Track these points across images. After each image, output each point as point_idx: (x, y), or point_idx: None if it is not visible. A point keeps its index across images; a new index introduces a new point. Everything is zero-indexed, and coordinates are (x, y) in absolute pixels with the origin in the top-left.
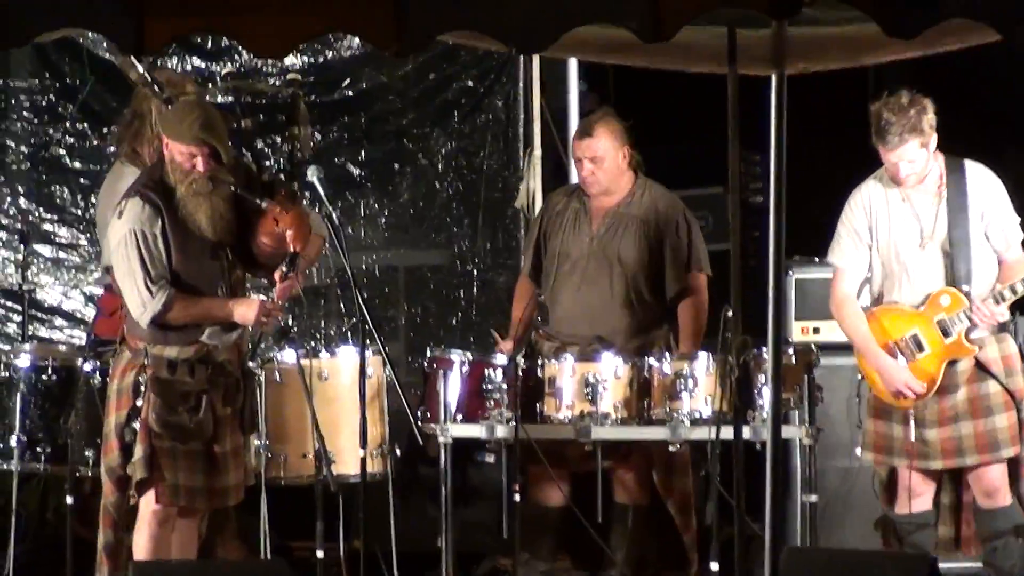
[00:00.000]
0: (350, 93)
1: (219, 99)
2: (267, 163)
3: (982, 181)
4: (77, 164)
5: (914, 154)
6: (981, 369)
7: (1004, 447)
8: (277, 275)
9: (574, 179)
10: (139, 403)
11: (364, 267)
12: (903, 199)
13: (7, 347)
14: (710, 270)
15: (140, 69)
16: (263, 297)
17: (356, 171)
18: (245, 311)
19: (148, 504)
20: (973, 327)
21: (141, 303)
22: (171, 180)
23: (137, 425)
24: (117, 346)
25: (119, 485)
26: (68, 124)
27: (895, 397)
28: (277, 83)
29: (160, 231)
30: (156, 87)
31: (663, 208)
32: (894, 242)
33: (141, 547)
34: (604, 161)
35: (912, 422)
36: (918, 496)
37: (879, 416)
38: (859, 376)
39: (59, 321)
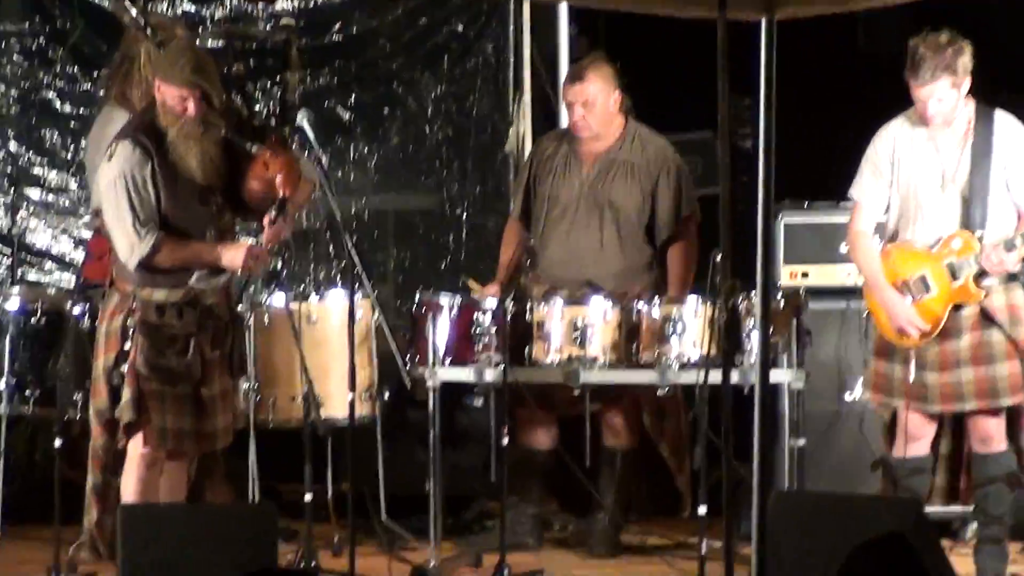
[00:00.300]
0: (340, 38)
1: (210, 43)
2: (257, 108)
3: (1010, 132)
4: (67, 108)
5: (944, 93)
6: (986, 317)
7: (1004, 395)
8: (266, 220)
9: (564, 124)
10: (127, 346)
11: (353, 211)
12: (928, 139)
13: None
14: (700, 215)
15: (133, 12)
16: (251, 241)
17: (346, 115)
18: (233, 255)
19: (136, 447)
20: (984, 274)
21: (129, 246)
22: (162, 123)
23: (125, 368)
24: (106, 289)
25: (107, 428)
26: (58, 68)
27: (898, 335)
28: (269, 28)
29: (150, 174)
30: (148, 30)
31: (654, 153)
32: (914, 181)
33: (129, 490)
34: (595, 106)
35: (913, 364)
36: (915, 440)
37: (881, 356)
38: (865, 314)
39: (48, 264)
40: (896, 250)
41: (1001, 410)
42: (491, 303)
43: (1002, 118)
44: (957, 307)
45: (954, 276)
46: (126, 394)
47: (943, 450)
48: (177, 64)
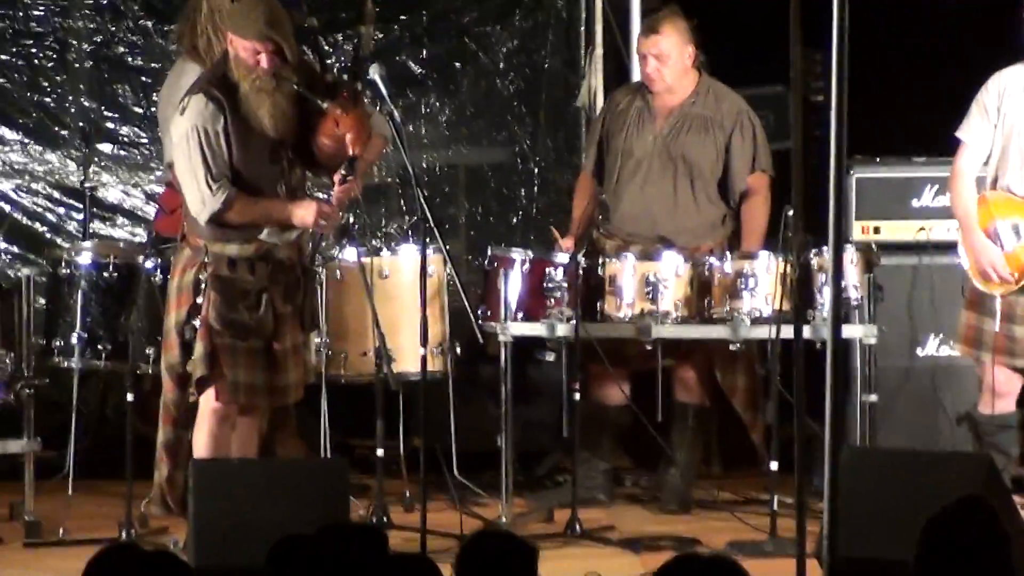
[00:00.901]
0: None
1: None
2: (330, 62)
3: None
4: (139, 62)
5: None
6: None
7: None
8: (336, 178)
9: (636, 78)
10: (199, 301)
11: (425, 165)
12: None
13: (68, 245)
14: (773, 171)
15: None
16: (322, 198)
17: (417, 69)
18: (304, 214)
19: (208, 401)
20: None
21: (201, 200)
22: (234, 77)
23: (198, 323)
24: (177, 244)
25: (179, 382)
26: (130, 22)
27: (982, 277)
28: None
29: (222, 128)
30: None
31: (728, 108)
32: (1019, 126)
33: (201, 445)
34: (669, 58)
35: (998, 316)
36: (1003, 396)
37: (973, 308)
38: (965, 266)
39: (120, 220)
40: (993, 196)
41: None
42: (563, 258)
43: None
44: None
45: None
46: (199, 349)
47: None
48: (250, 17)
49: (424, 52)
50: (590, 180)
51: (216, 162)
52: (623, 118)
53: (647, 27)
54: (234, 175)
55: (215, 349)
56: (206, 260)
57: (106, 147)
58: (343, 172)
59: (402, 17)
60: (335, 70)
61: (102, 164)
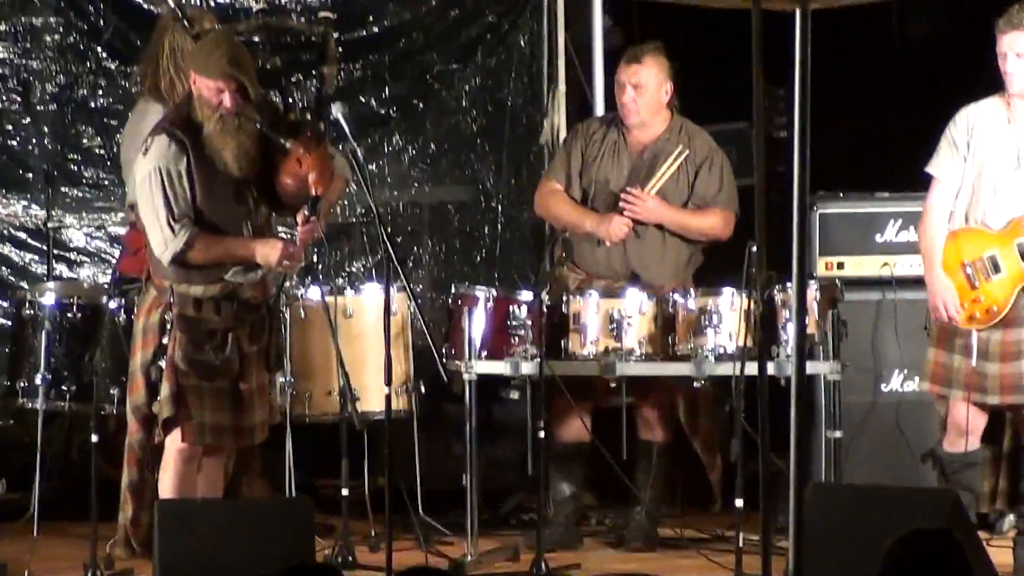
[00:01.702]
0: (375, 30)
1: (246, 37)
2: (292, 101)
3: None
4: (102, 103)
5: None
6: None
7: None
8: (299, 217)
9: (599, 114)
10: (165, 341)
11: (388, 204)
12: (1009, 121)
13: (32, 286)
14: (738, 208)
15: (171, 3)
16: (286, 237)
17: (380, 108)
18: (268, 252)
19: (174, 443)
20: None
21: (163, 241)
22: (198, 116)
23: (163, 363)
24: (142, 284)
25: (144, 424)
26: (92, 63)
27: (933, 312)
28: (305, 21)
29: (185, 169)
30: (186, 22)
31: (699, 145)
32: (989, 159)
33: (167, 486)
34: (647, 90)
35: (975, 351)
36: (969, 434)
37: (941, 345)
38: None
39: (84, 261)
40: (965, 232)
41: None
42: (527, 295)
43: None
44: None
45: None
46: (164, 389)
47: (987, 453)
48: (212, 56)
49: (387, 91)
50: (562, 189)
51: (178, 203)
52: (598, 147)
53: (630, 56)
54: (198, 215)
55: (181, 390)
56: (172, 300)
57: (70, 188)
58: (306, 212)
59: (369, 56)
60: (298, 110)
61: (65, 205)
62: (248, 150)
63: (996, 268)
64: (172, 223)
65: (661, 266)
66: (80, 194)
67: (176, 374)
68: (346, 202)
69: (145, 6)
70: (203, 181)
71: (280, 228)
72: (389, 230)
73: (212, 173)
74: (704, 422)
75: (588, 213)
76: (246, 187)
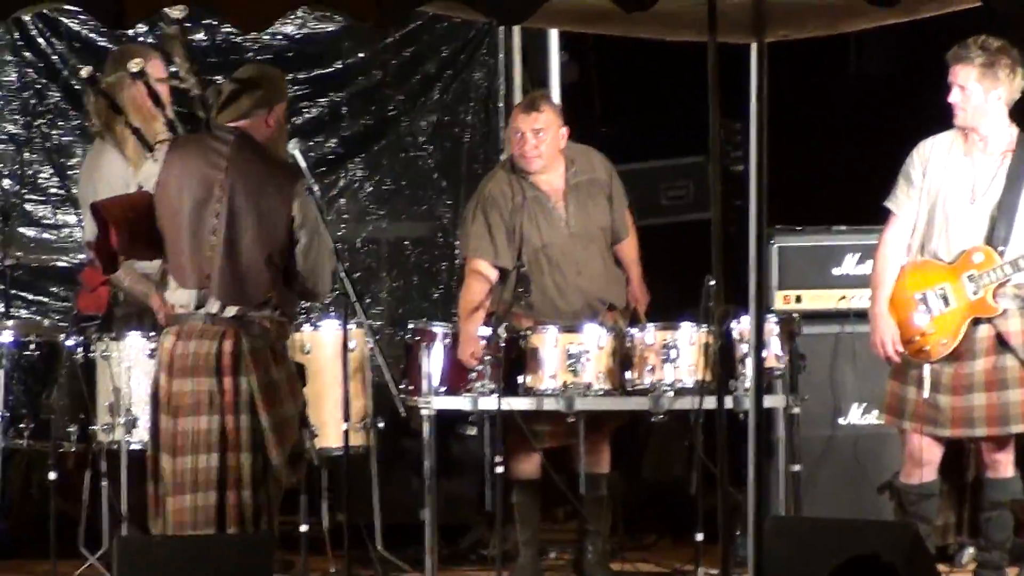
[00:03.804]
0: (332, 68)
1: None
2: None
3: None
4: (58, 142)
5: (968, 83)
6: (1001, 342)
7: (1014, 422)
8: None
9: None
10: None
11: (345, 241)
12: (965, 154)
13: None
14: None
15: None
16: None
17: (338, 145)
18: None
19: None
20: (1001, 288)
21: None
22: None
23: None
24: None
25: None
26: (50, 103)
27: (872, 348)
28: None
29: None
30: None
31: (598, 162)
32: (944, 192)
33: None
34: (547, 135)
35: (927, 384)
36: (925, 465)
37: (896, 377)
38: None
39: (40, 299)
40: (918, 263)
41: (1011, 437)
42: (485, 331)
43: None
44: (975, 323)
45: (974, 291)
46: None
47: (944, 486)
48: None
49: (344, 127)
50: (491, 272)
51: None
52: (524, 210)
53: (527, 104)
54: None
55: None
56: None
57: (26, 228)
58: None
59: (322, 94)
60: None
61: (22, 244)
62: None
63: (946, 301)
64: None
65: (619, 286)
66: (37, 233)
67: None
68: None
69: (101, 42)
70: None
71: None
72: (347, 265)
73: None
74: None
75: (472, 321)
76: None
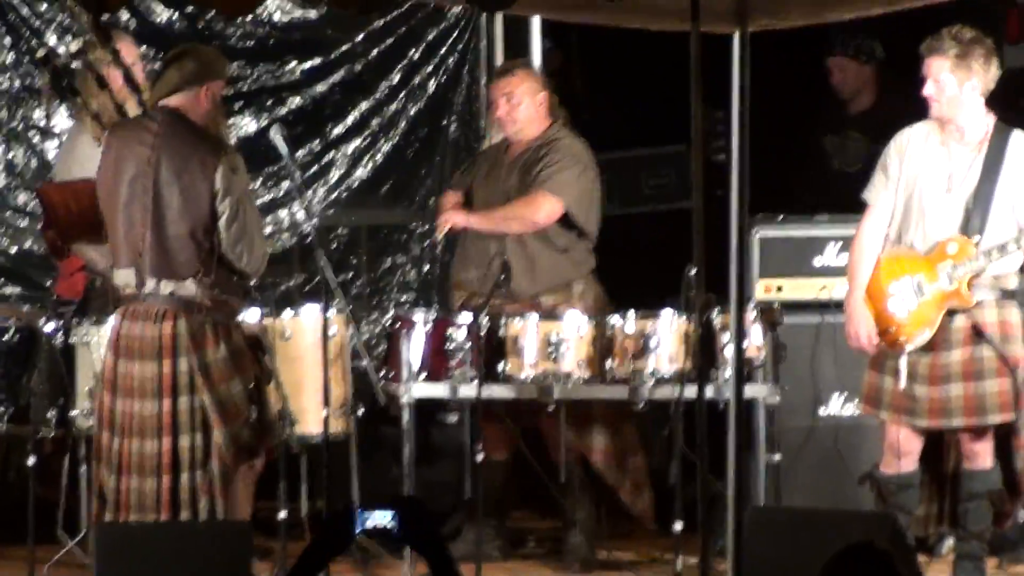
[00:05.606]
0: (313, 56)
1: None
2: None
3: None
4: (37, 127)
5: (941, 76)
6: (977, 333)
7: (991, 412)
8: None
9: None
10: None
11: (328, 227)
12: (941, 144)
13: None
14: (564, 198)
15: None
16: None
17: (320, 132)
18: None
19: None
20: (976, 279)
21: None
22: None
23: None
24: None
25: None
26: (29, 85)
27: (847, 339)
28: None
29: None
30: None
31: (561, 146)
32: (920, 183)
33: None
34: (520, 100)
35: (904, 374)
36: (904, 455)
37: (873, 367)
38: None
39: (18, 284)
40: (891, 256)
41: (988, 427)
42: (466, 318)
43: (1019, 138)
44: (951, 313)
45: (948, 280)
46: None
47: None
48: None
49: (327, 113)
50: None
51: None
52: (485, 163)
53: (500, 70)
54: None
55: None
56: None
57: (4, 212)
58: None
59: (310, 83)
60: None
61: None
62: None
63: (921, 292)
64: None
65: (533, 274)
66: (15, 220)
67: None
68: (285, 224)
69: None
70: None
71: None
72: (326, 253)
73: None
74: (601, 441)
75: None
76: None
